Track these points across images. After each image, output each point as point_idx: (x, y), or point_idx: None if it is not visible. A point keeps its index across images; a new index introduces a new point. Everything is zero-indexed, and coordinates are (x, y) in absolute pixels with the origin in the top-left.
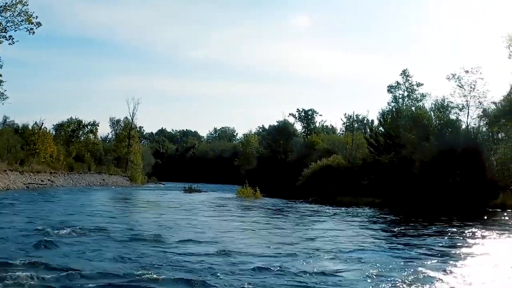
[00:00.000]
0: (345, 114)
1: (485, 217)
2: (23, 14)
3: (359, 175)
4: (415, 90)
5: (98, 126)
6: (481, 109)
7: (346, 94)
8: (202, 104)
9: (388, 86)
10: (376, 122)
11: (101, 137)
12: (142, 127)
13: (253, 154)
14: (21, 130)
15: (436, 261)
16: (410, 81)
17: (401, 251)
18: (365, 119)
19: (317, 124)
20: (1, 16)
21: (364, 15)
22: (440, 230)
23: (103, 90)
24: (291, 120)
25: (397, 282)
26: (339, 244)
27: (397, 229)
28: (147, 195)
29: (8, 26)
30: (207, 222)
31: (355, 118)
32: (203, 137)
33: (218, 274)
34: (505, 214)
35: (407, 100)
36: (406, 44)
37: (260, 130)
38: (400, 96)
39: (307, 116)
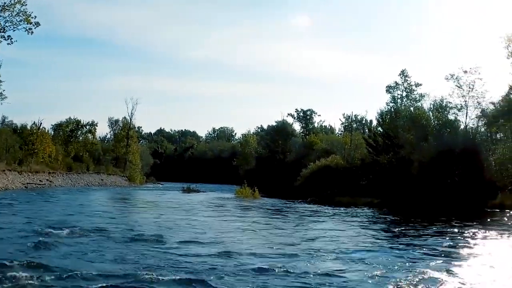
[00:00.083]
0: (344, 114)
1: (484, 218)
2: (22, 14)
3: (357, 175)
4: (413, 90)
5: (97, 126)
6: (480, 110)
7: (346, 94)
8: (201, 104)
9: (386, 86)
10: (374, 122)
11: (99, 137)
12: (141, 127)
13: (252, 154)
14: (19, 130)
15: (439, 261)
16: (408, 81)
17: (403, 252)
18: (364, 119)
19: (316, 124)
20: (0, 16)
21: (364, 15)
22: (440, 230)
23: (103, 90)
24: (290, 120)
25: (401, 283)
26: (340, 245)
27: (397, 229)
28: (145, 195)
29: (6, 26)
30: (206, 222)
31: (354, 118)
32: (202, 137)
33: (221, 275)
34: (504, 214)
35: (405, 101)
36: (406, 44)
37: (259, 130)
38: (399, 96)
39: (305, 116)
